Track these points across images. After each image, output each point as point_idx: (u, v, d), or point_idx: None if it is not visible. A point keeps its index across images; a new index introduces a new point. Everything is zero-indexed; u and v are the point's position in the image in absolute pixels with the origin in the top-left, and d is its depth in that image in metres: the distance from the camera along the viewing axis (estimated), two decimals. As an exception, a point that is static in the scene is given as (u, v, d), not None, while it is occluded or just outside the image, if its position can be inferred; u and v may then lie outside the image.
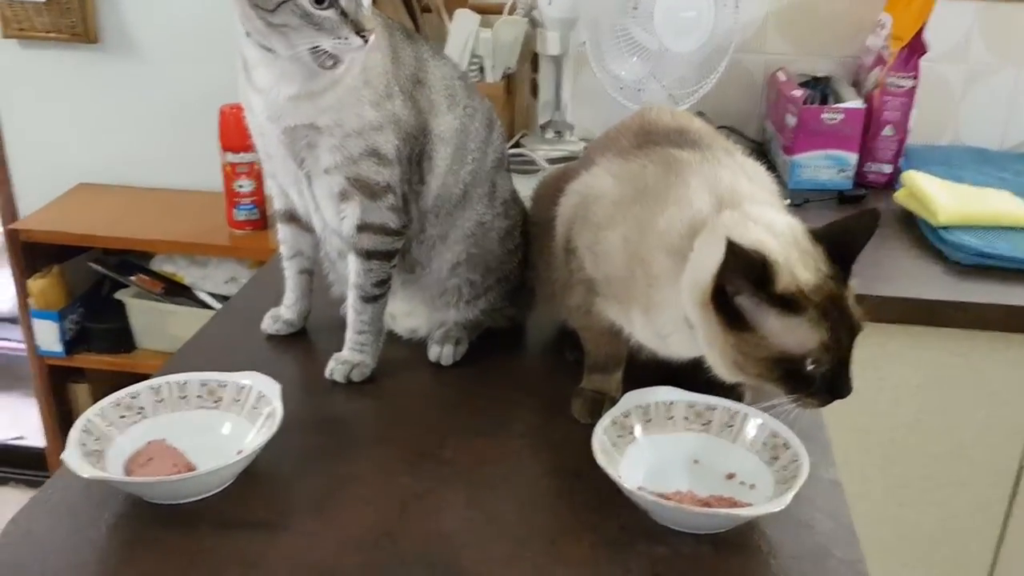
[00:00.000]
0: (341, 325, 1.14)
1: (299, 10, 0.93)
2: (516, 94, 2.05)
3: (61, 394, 2.33)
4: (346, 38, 0.95)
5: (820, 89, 1.94)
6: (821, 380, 0.84)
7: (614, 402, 0.99)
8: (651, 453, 0.96)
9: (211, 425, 0.99)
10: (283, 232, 1.20)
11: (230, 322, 1.29)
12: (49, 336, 2.21)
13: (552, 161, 1.83)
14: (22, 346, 2.32)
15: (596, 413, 0.98)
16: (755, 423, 0.96)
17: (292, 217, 1.18)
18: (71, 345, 2.24)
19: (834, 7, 1.98)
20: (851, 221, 0.87)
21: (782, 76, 1.94)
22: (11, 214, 2.39)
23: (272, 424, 0.94)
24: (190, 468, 0.93)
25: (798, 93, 1.83)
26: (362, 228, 1.07)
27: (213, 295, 2.18)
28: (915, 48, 1.80)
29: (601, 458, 0.89)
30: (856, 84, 1.95)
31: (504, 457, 1.00)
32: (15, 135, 2.35)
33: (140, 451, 0.95)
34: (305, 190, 1.09)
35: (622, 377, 1.07)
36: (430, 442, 1.02)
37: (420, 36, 1.16)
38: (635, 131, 1.04)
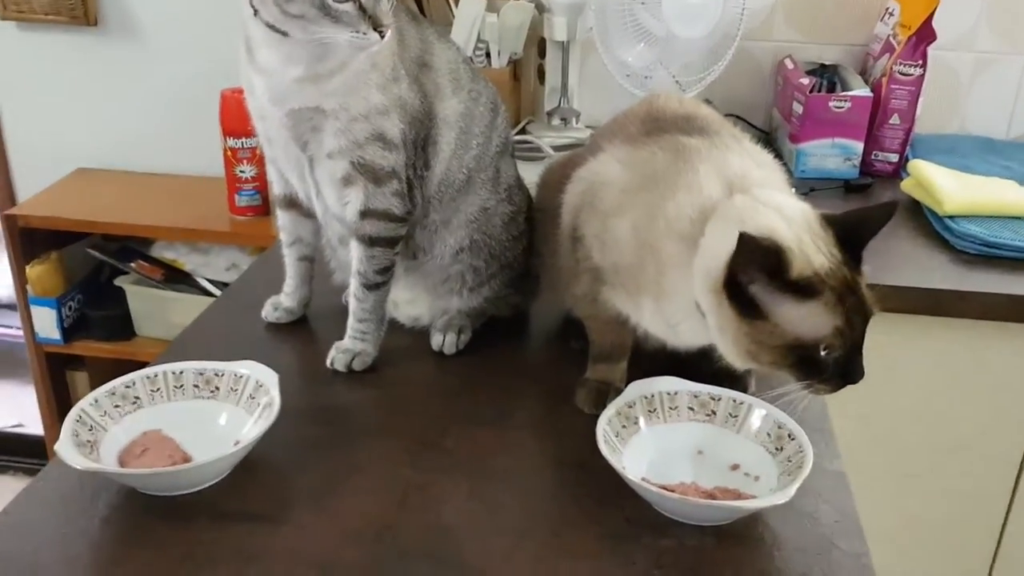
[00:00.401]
0: (342, 313, 1.13)
1: (317, 1, 0.91)
2: (522, 80, 2.03)
3: (60, 381, 2.32)
4: (364, 33, 0.93)
5: (827, 77, 1.92)
6: (834, 366, 0.84)
7: (619, 392, 0.98)
8: (655, 444, 0.95)
9: (208, 415, 0.97)
10: (283, 218, 1.18)
11: (229, 310, 1.28)
12: (47, 323, 2.19)
13: (558, 148, 1.81)
14: (20, 333, 2.30)
15: (600, 403, 0.98)
16: (759, 414, 0.96)
17: (292, 203, 1.16)
18: (70, 332, 2.22)
19: (842, -6, 1.97)
20: (867, 210, 0.87)
21: (789, 64, 1.93)
22: (9, 199, 2.37)
23: (270, 414, 0.93)
24: (186, 459, 0.92)
25: (805, 81, 1.82)
26: (365, 214, 1.06)
27: (214, 282, 2.16)
28: (923, 36, 1.78)
29: (605, 449, 0.88)
30: (864, 72, 1.93)
31: (507, 447, 0.99)
32: (13, 119, 2.33)
33: (135, 441, 0.94)
34: (307, 175, 1.08)
35: (627, 367, 1.05)
36: (432, 432, 1.01)
37: (424, 19, 1.15)
38: (643, 118, 1.04)
